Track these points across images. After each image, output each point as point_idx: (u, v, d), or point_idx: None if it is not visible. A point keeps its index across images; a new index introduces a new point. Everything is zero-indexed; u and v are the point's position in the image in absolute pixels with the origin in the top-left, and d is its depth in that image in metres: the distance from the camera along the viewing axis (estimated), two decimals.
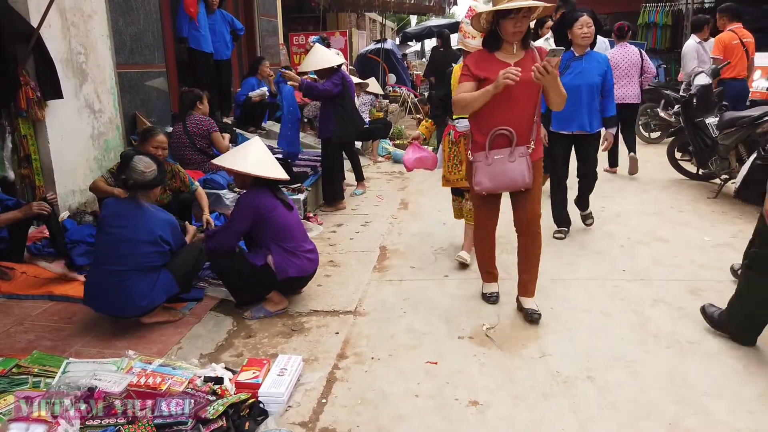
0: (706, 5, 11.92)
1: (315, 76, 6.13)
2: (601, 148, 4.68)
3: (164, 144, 3.97)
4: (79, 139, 4.67)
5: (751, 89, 7.44)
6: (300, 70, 6.22)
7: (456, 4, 18.47)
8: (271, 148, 6.38)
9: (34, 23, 4.05)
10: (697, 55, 7.09)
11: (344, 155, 6.29)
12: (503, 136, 3.13)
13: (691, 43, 7.23)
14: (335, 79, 5.54)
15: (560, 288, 3.79)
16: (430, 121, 4.18)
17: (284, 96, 5.71)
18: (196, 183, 4.39)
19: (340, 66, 5.70)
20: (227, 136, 5.61)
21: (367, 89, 8.77)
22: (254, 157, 3.45)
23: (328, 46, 7.28)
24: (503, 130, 3.11)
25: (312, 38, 8.77)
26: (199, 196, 4.28)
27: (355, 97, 6.99)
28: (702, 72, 6.35)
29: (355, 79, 8.39)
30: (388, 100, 9.84)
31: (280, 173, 3.48)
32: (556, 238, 4.68)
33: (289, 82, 5.44)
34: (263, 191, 3.43)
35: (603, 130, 4.59)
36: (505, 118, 3.09)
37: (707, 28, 7.28)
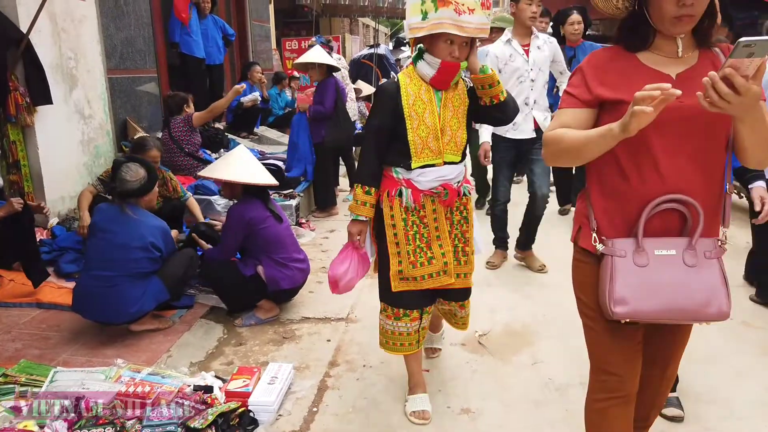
0: None
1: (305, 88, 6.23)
2: None
3: (157, 158, 3.95)
4: (68, 145, 4.64)
5: None
6: (295, 63, 6.52)
7: None
8: (264, 156, 6.40)
9: (24, 28, 4.03)
10: None
11: (340, 160, 6.31)
12: (668, 215, 1.60)
13: None
14: (330, 93, 5.57)
15: (553, 294, 3.78)
16: (363, 187, 2.38)
17: (299, 123, 5.86)
18: (189, 193, 4.36)
19: (332, 70, 5.70)
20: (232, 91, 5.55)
21: (360, 95, 8.75)
22: (240, 165, 3.42)
23: (330, 48, 7.27)
24: (672, 203, 1.58)
25: (314, 38, 8.78)
26: (191, 206, 4.25)
27: (353, 103, 7.00)
28: None
29: (352, 85, 8.41)
30: None
31: (268, 179, 3.46)
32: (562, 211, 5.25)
33: (300, 109, 5.81)
34: (253, 202, 3.40)
35: None
36: (671, 177, 1.57)
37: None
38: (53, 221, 4.29)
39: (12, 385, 2.52)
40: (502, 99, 2.33)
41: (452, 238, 2.44)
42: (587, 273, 1.72)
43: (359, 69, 12.60)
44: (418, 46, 2.31)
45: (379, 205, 2.42)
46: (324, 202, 5.91)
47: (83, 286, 3.06)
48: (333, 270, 2.48)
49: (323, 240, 5.09)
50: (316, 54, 5.66)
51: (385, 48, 14.85)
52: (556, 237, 4.70)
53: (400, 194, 2.36)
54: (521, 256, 4.38)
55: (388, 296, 2.48)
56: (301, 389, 2.75)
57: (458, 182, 2.42)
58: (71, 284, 3.53)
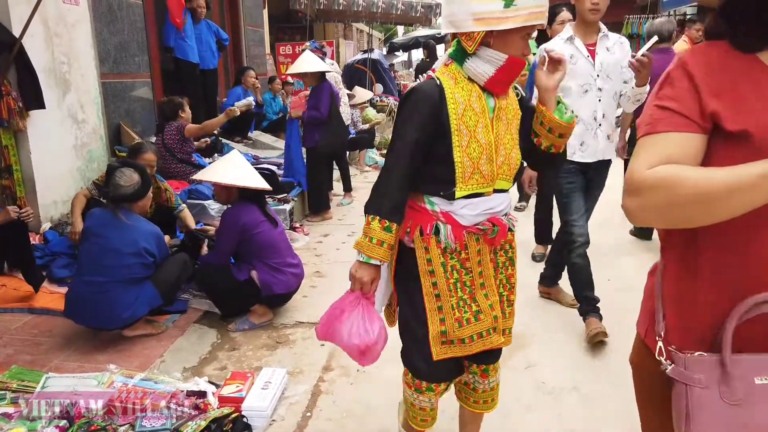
0: (689, 16, 12.11)
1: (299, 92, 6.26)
2: None
3: (152, 162, 3.92)
4: (61, 149, 4.62)
5: None
6: (288, 72, 6.56)
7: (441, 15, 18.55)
8: (258, 160, 6.41)
9: (17, 33, 4.01)
10: None
11: (334, 165, 6.32)
12: None
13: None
14: (324, 98, 5.58)
15: (548, 302, 3.79)
16: (382, 221, 1.75)
17: (293, 129, 5.90)
18: (183, 205, 4.32)
19: (325, 75, 5.73)
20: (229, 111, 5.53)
21: (353, 102, 8.74)
22: (235, 169, 3.42)
23: (323, 54, 7.29)
24: None
25: (308, 43, 8.80)
26: (184, 218, 4.20)
27: (349, 108, 7.01)
28: None
29: (347, 91, 8.41)
30: (374, 108, 9.88)
31: (262, 183, 3.46)
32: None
33: (293, 115, 5.81)
34: (248, 207, 3.40)
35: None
36: None
37: (675, 36, 7.25)
38: (46, 226, 4.27)
39: (3, 392, 2.50)
40: (561, 151, 1.87)
41: (497, 285, 1.89)
42: (653, 385, 1.17)
43: (353, 74, 12.63)
44: (455, 40, 1.78)
45: (403, 243, 1.86)
46: (318, 207, 5.91)
47: (75, 291, 3.05)
48: (345, 339, 1.85)
49: (317, 244, 5.09)
50: (310, 63, 5.69)
51: (379, 53, 14.90)
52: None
53: (437, 231, 1.79)
54: (548, 292, 3.82)
55: (419, 365, 1.90)
56: (294, 394, 2.74)
57: (506, 214, 1.89)
58: (63, 289, 3.51)
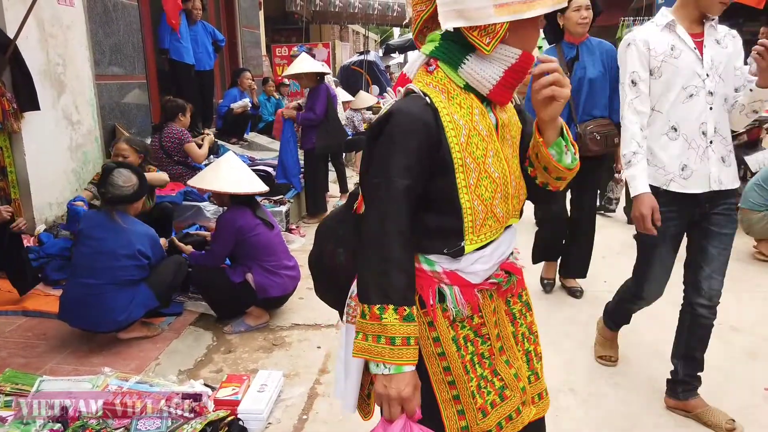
0: None
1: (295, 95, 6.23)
2: None
3: (125, 152, 3.90)
4: (56, 151, 4.60)
5: None
6: (285, 74, 6.49)
7: None
8: (254, 162, 6.39)
9: (11, 34, 3.99)
10: None
11: (331, 166, 6.32)
12: None
13: None
14: (321, 99, 5.58)
15: (542, 299, 3.79)
16: (399, 309, 1.23)
17: (288, 130, 5.89)
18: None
19: (323, 77, 5.72)
20: (206, 139, 5.56)
21: (356, 106, 8.73)
22: (229, 173, 3.41)
23: (313, 56, 7.33)
24: None
25: (296, 48, 8.80)
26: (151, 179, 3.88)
27: (342, 111, 7.02)
28: None
29: (344, 96, 8.41)
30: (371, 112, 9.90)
31: (257, 187, 3.45)
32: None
33: (285, 114, 5.81)
34: (242, 210, 3.39)
35: None
36: None
37: None
38: (40, 228, 4.25)
39: None
40: (558, 189, 1.46)
41: (519, 341, 1.51)
42: None
43: (349, 76, 12.64)
44: (434, 33, 1.34)
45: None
46: (314, 208, 5.92)
47: (70, 293, 3.03)
48: None
49: None
50: (307, 64, 5.70)
51: (375, 55, 14.91)
52: None
53: (442, 298, 1.34)
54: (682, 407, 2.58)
55: None
56: (291, 397, 2.73)
57: (512, 253, 1.49)
58: (58, 292, 3.49)
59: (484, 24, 1.22)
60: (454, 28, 1.25)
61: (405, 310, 1.22)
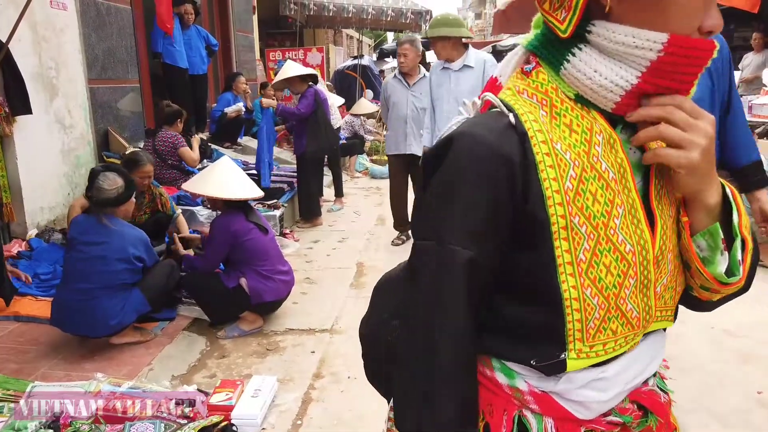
0: None
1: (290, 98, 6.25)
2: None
3: (150, 173, 3.96)
4: (48, 155, 4.58)
5: None
6: (273, 82, 6.41)
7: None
8: (248, 166, 6.38)
9: (3, 37, 3.97)
10: None
11: (327, 170, 6.34)
12: None
13: None
14: (308, 99, 5.59)
15: None
16: None
17: (265, 120, 5.82)
18: (179, 210, 4.32)
19: (314, 82, 5.74)
20: (196, 141, 5.53)
21: (355, 112, 8.73)
22: (223, 178, 3.40)
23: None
24: None
25: (277, 63, 8.99)
26: (179, 223, 4.20)
27: (338, 115, 7.03)
28: None
29: (338, 101, 8.42)
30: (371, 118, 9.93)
31: (250, 192, 3.44)
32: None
33: (264, 104, 5.73)
34: (236, 215, 3.38)
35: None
36: None
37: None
38: (32, 232, 4.22)
39: None
40: (709, 301, 0.91)
41: None
42: None
43: (343, 80, 12.66)
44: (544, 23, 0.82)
45: None
46: (308, 213, 5.91)
47: (62, 299, 3.01)
48: None
49: (307, 250, 5.08)
50: (292, 68, 5.76)
51: (369, 59, 14.95)
52: None
53: (523, 430, 0.85)
54: None
55: None
56: (285, 402, 2.72)
57: (655, 375, 0.94)
58: (50, 297, 3.47)
59: None
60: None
61: None
